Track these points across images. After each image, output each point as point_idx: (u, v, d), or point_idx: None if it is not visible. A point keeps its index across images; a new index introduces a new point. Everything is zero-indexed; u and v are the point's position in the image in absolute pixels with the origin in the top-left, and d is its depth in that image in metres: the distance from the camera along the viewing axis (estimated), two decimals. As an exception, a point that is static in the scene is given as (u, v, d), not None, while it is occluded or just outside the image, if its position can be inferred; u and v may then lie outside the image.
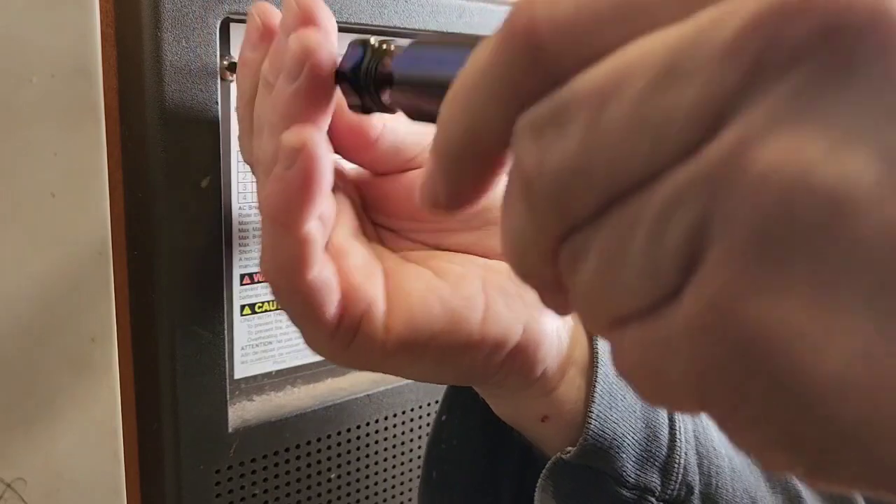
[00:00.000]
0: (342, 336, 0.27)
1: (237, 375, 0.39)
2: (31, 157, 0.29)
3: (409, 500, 0.46)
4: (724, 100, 0.14)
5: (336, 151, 0.30)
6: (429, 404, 0.46)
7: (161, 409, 0.35)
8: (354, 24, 0.38)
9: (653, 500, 0.33)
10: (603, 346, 0.33)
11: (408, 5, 0.40)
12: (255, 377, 0.40)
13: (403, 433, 0.45)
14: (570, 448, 0.32)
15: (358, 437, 0.42)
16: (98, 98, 0.31)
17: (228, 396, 0.37)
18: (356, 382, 0.44)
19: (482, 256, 0.31)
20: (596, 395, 0.32)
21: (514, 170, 0.17)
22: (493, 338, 0.29)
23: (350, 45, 0.26)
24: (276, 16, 0.29)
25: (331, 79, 0.25)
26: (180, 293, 0.34)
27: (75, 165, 0.31)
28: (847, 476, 0.14)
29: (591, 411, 0.32)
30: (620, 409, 0.33)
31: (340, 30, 0.33)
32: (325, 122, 0.26)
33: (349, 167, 0.33)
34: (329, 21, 0.26)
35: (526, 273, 0.18)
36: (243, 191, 0.38)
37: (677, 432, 0.33)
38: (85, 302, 0.32)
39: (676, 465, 0.33)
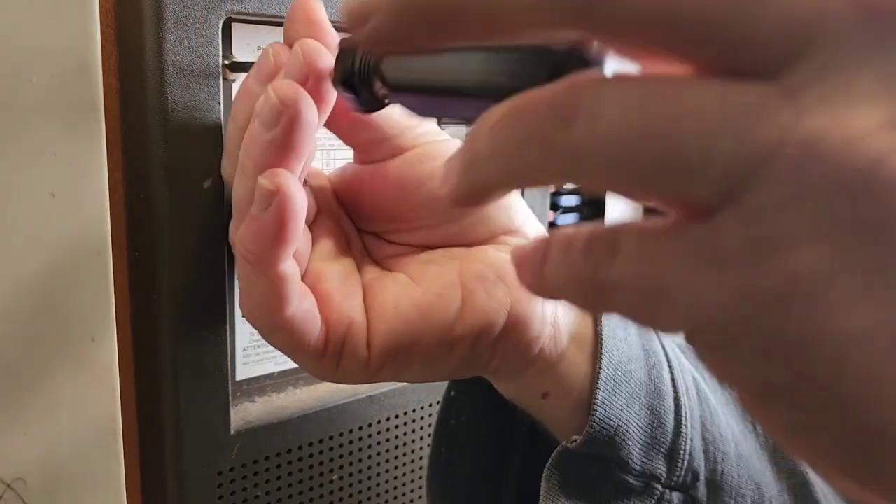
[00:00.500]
0: (329, 360, 0.28)
1: (239, 377, 0.39)
2: (30, 157, 0.29)
3: (412, 500, 0.46)
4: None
5: (333, 132, 0.31)
6: (430, 405, 0.46)
7: (163, 411, 0.35)
8: (356, 24, 0.38)
9: (658, 486, 0.33)
10: (608, 330, 0.33)
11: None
12: (256, 378, 0.40)
13: (405, 434, 0.45)
14: (575, 437, 0.33)
15: (360, 439, 0.42)
16: (98, 98, 0.31)
17: (230, 398, 0.37)
18: (358, 383, 0.44)
19: (465, 246, 0.32)
20: (601, 381, 0.32)
21: None
22: (474, 328, 0.29)
23: (339, 53, 0.27)
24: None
25: (311, 128, 0.26)
26: (182, 295, 0.34)
27: (75, 166, 0.30)
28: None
29: (595, 398, 0.32)
30: (625, 395, 0.33)
31: (341, 30, 0.33)
32: (300, 167, 0.27)
33: (328, 174, 0.34)
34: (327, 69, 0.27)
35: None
36: (245, 191, 0.38)
37: (683, 418, 0.33)
38: (84, 302, 0.32)
39: (682, 452, 0.33)
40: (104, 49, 0.32)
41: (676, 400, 0.34)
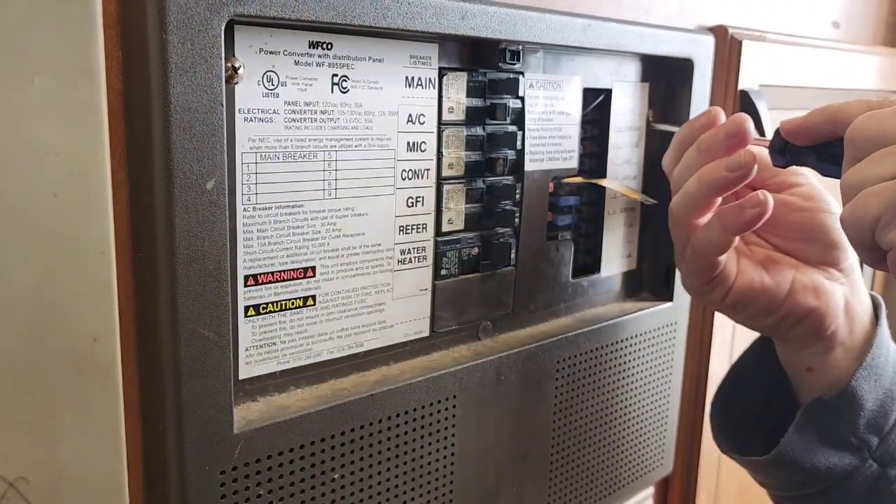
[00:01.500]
0: (712, 283, 0.48)
1: (241, 376, 0.40)
2: (33, 158, 0.29)
3: (412, 499, 0.46)
4: None
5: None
6: (431, 404, 0.46)
7: (166, 411, 0.35)
8: (358, 26, 0.39)
9: (867, 452, 0.50)
10: (878, 343, 0.50)
11: (411, 8, 0.40)
12: (259, 378, 0.40)
13: (406, 433, 0.45)
14: (828, 394, 0.49)
15: (361, 437, 0.42)
16: (100, 99, 0.31)
17: (233, 398, 0.37)
18: (359, 383, 0.44)
19: (802, 261, 0.50)
20: (861, 369, 0.49)
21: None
22: (788, 310, 0.48)
23: (771, 148, 0.45)
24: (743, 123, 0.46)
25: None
26: (185, 295, 0.34)
27: (77, 166, 0.31)
28: None
29: (854, 376, 0.49)
30: (871, 385, 0.49)
31: (344, 31, 0.35)
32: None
33: None
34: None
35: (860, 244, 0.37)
36: (248, 192, 0.38)
37: None
38: (87, 302, 0.32)
39: (891, 437, 0.50)
40: (107, 50, 0.32)
41: None
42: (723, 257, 0.47)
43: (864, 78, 0.87)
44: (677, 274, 0.62)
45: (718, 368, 0.74)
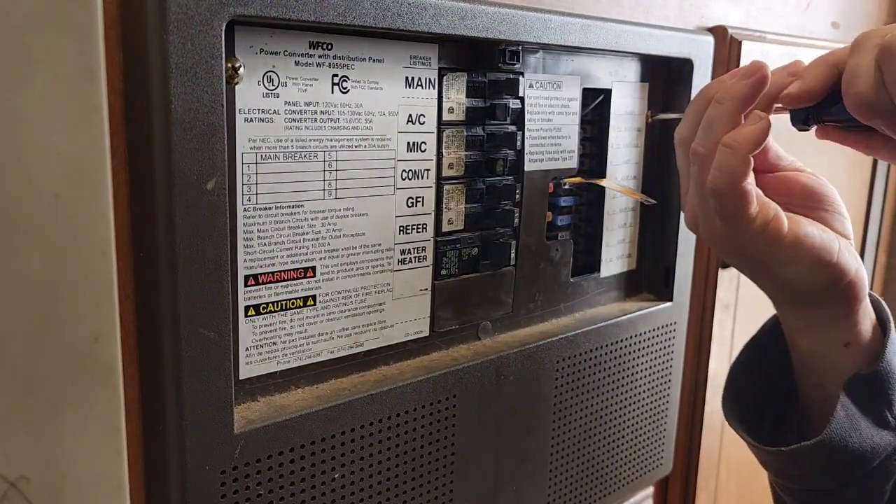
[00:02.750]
0: (758, 226, 0.43)
1: (242, 376, 0.40)
2: (34, 159, 0.29)
3: (412, 498, 0.46)
4: None
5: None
6: (431, 403, 0.46)
7: (166, 410, 0.35)
8: (358, 26, 0.39)
9: None
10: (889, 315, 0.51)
11: (410, 9, 0.40)
12: (259, 377, 0.40)
13: (406, 433, 0.45)
14: (864, 370, 0.48)
15: (361, 437, 0.42)
16: (101, 99, 0.31)
17: (233, 398, 0.37)
18: (359, 383, 0.44)
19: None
20: (890, 342, 0.49)
21: None
22: (842, 267, 0.46)
23: None
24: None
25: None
26: (185, 295, 0.34)
27: (78, 166, 0.31)
28: None
29: (887, 350, 0.49)
30: None
31: (344, 32, 0.35)
32: None
33: None
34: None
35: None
36: (248, 192, 0.38)
37: None
38: (88, 302, 0.32)
39: None
40: (108, 51, 0.32)
41: None
42: (751, 189, 0.43)
43: None
44: (677, 273, 0.63)
45: (717, 369, 0.74)
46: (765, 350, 0.55)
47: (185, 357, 0.35)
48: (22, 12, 0.29)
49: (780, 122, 0.46)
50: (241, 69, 0.37)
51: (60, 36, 0.30)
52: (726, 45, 0.65)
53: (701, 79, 0.60)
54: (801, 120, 0.45)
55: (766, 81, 0.43)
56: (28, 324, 0.30)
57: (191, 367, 0.35)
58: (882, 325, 0.50)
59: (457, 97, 0.47)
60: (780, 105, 0.45)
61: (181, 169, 0.33)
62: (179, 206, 0.34)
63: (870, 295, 0.51)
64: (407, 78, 0.44)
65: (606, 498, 0.62)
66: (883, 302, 0.52)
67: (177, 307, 0.34)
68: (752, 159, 0.43)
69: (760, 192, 0.44)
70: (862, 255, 1.06)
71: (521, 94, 0.50)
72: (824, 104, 0.44)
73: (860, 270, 0.47)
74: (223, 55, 0.34)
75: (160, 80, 0.33)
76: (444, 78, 0.46)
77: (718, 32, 0.64)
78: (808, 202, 0.49)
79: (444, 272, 0.48)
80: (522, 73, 0.50)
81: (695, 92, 0.60)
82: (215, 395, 0.36)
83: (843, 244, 0.47)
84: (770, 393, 0.55)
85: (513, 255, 0.51)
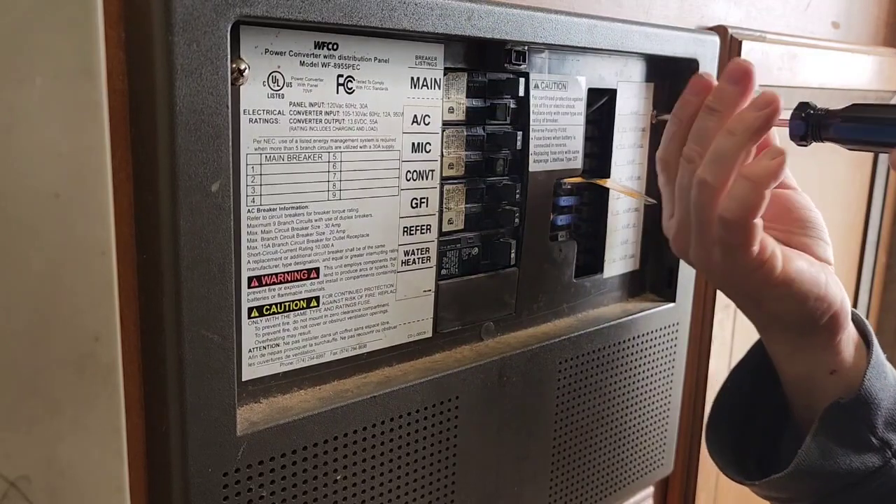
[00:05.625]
0: (755, 262, 0.44)
1: (245, 378, 0.40)
2: (34, 158, 0.29)
3: (415, 500, 0.46)
4: None
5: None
6: (433, 405, 0.46)
7: (169, 413, 0.35)
8: (364, 27, 0.38)
9: (889, 454, 0.49)
10: (873, 338, 0.51)
11: (417, 9, 0.40)
12: (262, 379, 0.40)
13: (409, 434, 0.45)
14: (843, 397, 0.49)
15: (364, 439, 0.42)
16: (101, 99, 0.31)
17: (236, 400, 0.37)
18: (361, 384, 0.44)
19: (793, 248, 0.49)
20: (870, 367, 0.49)
21: None
22: (829, 299, 0.47)
23: (793, 115, 0.46)
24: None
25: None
26: (189, 297, 0.34)
27: (79, 166, 0.30)
28: None
29: (866, 376, 0.49)
30: (882, 382, 0.49)
31: (349, 32, 0.35)
32: None
33: None
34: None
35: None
36: (252, 193, 0.38)
37: None
38: (88, 301, 0.31)
39: None
40: (109, 50, 0.32)
41: None
42: (759, 224, 0.43)
43: (863, 78, 0.87)
44: (680, 274, 0.62)
45: (718, 369, 0.74)
46: (753, 372, 0.55)
47: (188, 360, 0.35)
48: (21, 10, 0.28)
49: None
50: (246, 70, 0.36)
51: (60, 34, 0.29)
52: (726, 45, 0.65)
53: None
54: (800, 136, 0.46)
55: (779, 112, 0.43)
56: (28, 323, 0.30)
57: (194, 370, 0.35)
58: (867, 344, 0.51)
59: (457, 97, 0.46)
60: (782, 118, 0.45)
61: (185, 171, 0.33)
62: (183, 209, 0.33)
63: (853, 313, 0.51)
64: (412, 78, 0.44)
65: (607, 498, 0.62)
66: (866, 321, 0.52)
67: (180, 310, 0.34)
68: (768, 194, 0.43)
69: (763, 235, 0.45)
70: (862, 255, 1.06)
71: (520, 93, 0.49)
72: (824, 122, 0.44)
73: (845, 300, 0.48)
74: (228, 56, 0.34)
75: (164, 82, 0.32)
76: (445, 77, 0.45)
77: (719, 32, 0.64)
78: (794, 226, 0.49)
79: (445, 272, 0.48)
80: (528, 74, 0.49)
81: (700, 92, 0.60)
82: (218, 398, 0.36)
83: (829, 275, 0.48)
84: (761, 410, 0.55)
85: (513, 256, 0.51)
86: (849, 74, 0.84)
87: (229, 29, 0.34)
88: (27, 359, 0.30)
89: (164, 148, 0.33)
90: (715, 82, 0.46)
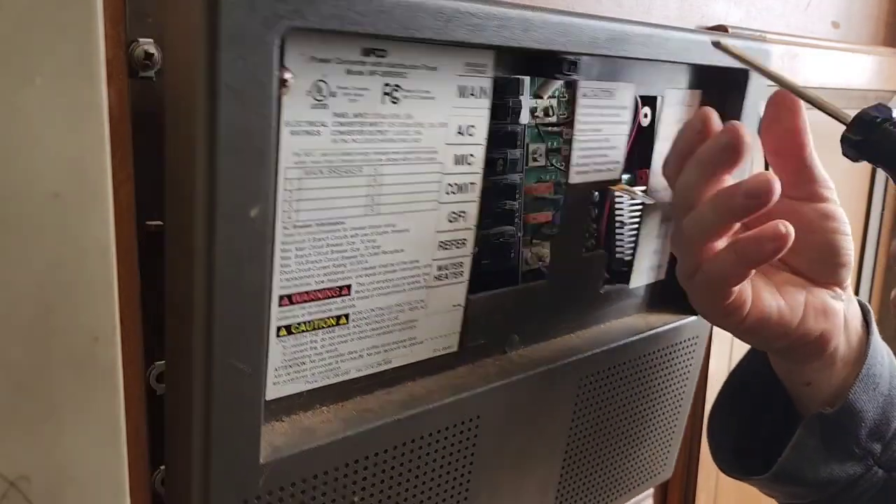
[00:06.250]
0: (725, 310, 0.44)
1: (268, 397, 0.38)
2: (34, 158, 0.29)
3: (429, 518, 0.45)
4: None
5: (780, 166, 0.48)
6: (455, 425, 0.45)
7: (192, 441, 0.33)
8: (420, 39, 0.36)
9: (871, 461, 0.50)
10: (873, 352, 0.50)
11: (474, 20, 0.37)
12: (285, 398, 0.39)
13: (427, 454, 0.44)
14: (829, 408, 0.49)
15: (384, 461, 0.41)
16: (101, 99, 0.30)
17: (261, 426, 0.35)
18: (384, 402, 0.42)
19: (812, 281, 0.48)
20: (859, 381, 0.49)
21: None
22: (802, 332, 0.47)
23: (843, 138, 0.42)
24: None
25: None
26: (220, 327, 0.32)
27: (79, 166, 0.30)
28: None
29: (852, 389, 0.49)
30: (871, 395, 0.49)
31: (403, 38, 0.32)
32: None
33: None
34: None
35: None
36: (288, 209, 0.36)
37: None
38: (88, 302, 0.31)
39: (894, 445, 0.50)
40: (109, 50, 0.31)
41: None
42: (736, 287, 0.44)
43: (863, 78, 0.86)
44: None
45: (718, 369, 0.74)
46: (754, 372, 0.56)
47: (216, 391, 0.33)
48: (20, 9, 0.28)
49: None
50: (290, 79, 0.34)
51: (59, 34, 0.29)
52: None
53: (756, 88, 0.57)
54: (852, 156, 0.42)
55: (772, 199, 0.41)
56: (27, 323, 0.30)
57: (221, 402, 0.33)
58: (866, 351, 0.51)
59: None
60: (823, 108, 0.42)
61: (224, 197, 0.31)
62: (220, 237, 0.31)
63: (862, 305, 0.52)
64: (460, 87, 0.41)
65: (608, 502, 0.61)
66: (873, 329, 0.52)
67: (211, 341, 0.32)
68: (753, 271, 0.43)
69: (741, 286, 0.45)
70: (862, 254, 1.05)
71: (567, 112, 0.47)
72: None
73: (829, 331, 0.48)
74: (276, 73, 0.31)
75: (206, 102, 0.30)
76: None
77: (718, 32, 0.62)
78: (815, 255, 0.48)
79: (476, 286, 0.46)
80: (577, 82, 0.47)
81: (749, 101, 0.57)
82: (244, 429, 0.34)
83: (813, 308, 0.47)
84: (761, 415, 0.56)
85: (544, 269, 0.49)
86: (849, 74, 0.84)
87: (278, 44, 0.31)
88: (27, 359, 0.30)
89: (202, 172, 0.30)
90: (717, 126, 0.44)
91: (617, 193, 0.56)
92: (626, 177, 0.56)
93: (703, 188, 0.44)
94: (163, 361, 0.37)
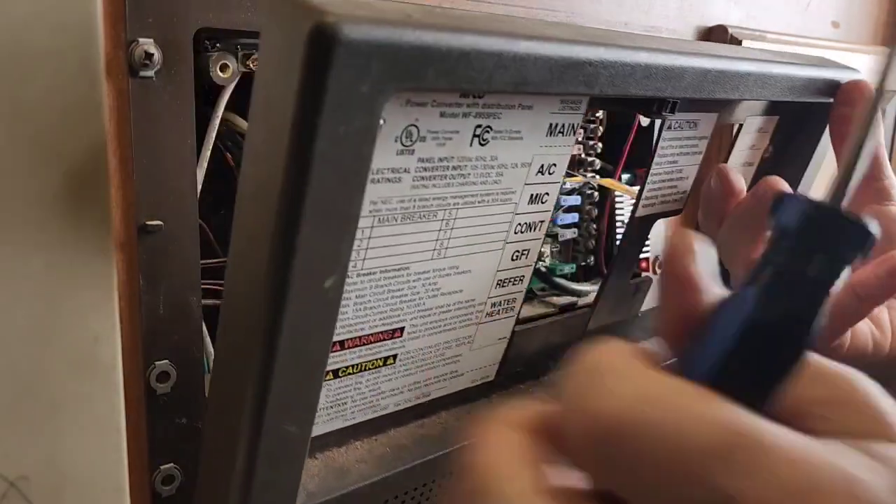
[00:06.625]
0: (825, 351, 0.38)
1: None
2: (34, 158, 0.29)
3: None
4: None
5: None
6: (483, 458, 0.43)
7: (229, 493, 0.32)
8: (534, 92, 0.32)
9: None
10: None
11: (588, 70, 0.33)
12: (322, 436, 0.37)
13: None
14: None
15: (412, 498, 0.40)
16: (101, 99, 0.30)
17: (300, 482, 0.34)
18: (418, 437, 0.41)
19: None
20: None
21: None
22: (892, 354, 0.43)
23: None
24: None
25: None
26: (276, 394, 0.30)
27: (78, 167, 0.30)
28: None
29: None
30: None
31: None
32: None
33: None
34: None
35: None
36: (355, 258, 0.33)
37: None
38: (88, 302, 0.31)
39: None
40: (108, 50, 0.30)
41: None
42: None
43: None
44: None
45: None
46: None
47: (262, 452, 0.31)
48: (21, 10, 0.28)
49: None
50: (382, 126, 0.30)
51: (60, 34, 0.28)
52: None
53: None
54: None
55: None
56: (28, 324, 0.30)
57: (265, 458, 0.31)
58: None
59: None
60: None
61: (302, 268, 0.28)
62: (289, 311, 0.28)
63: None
64: (551, 125, 0.37)
65: None
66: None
67: (264, 406, 0.30)
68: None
69: None
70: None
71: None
72: None
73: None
74: (375, 139, 0.27)
75: (297, 168, 0.26)
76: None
77: (719, 32, 0.60)
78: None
79: (521, 318, 0.44)
80: (665, 117, 0.43)
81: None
82: (285, 484, 0.33)
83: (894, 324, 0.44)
84: None
85: (594, 300, 0.47)
86: (849, 74, 0.82)
87: (385, 106, 0.27)
88: (27, 359, 0.30)
89: (280, 241, 0.27)
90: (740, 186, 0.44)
91: (617, 193, 0.53)
92: (626, 177, 0.53)
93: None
94: (164, 361, 0.35)
